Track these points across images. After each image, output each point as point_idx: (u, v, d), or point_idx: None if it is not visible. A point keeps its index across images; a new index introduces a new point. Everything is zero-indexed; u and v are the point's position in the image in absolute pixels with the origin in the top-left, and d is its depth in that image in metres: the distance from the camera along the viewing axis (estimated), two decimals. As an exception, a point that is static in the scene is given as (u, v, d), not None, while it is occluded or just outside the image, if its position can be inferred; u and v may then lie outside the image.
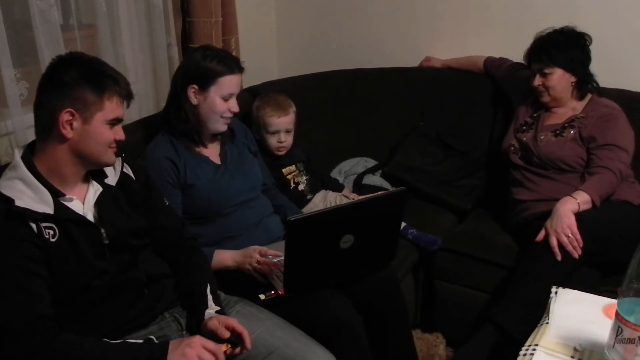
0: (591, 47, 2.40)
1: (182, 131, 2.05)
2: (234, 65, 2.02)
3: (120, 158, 1.66)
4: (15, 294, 1.38)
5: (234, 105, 2.04)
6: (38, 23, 2.01)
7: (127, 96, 1.56)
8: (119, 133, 1.56)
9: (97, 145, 1.52)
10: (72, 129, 1.47)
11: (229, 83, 2.01)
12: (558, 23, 2.42)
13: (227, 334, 1.57)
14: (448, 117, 2.90)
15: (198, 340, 1.49)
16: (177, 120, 2.05)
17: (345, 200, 2.47)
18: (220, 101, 2.02)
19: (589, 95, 2.45)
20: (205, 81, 2.00)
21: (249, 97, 2.58)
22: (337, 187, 2.66)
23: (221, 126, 2.07)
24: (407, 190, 2.01)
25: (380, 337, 2.01)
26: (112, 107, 1.51)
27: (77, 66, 1.49)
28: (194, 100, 2.02)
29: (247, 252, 1.95)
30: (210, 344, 1.50)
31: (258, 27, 3.23)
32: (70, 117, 1.46)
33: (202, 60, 2.00)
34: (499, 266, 2.32)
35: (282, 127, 2.41)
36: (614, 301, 1.23)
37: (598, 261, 2.12)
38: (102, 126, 1.51)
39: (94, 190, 1.58)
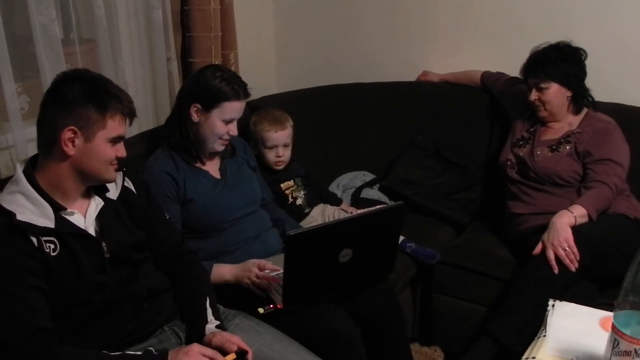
0: (586, 62, 2.42)
1: (181, 146, 2.06)
2: (241, 91, 2.01)
3: (121, 172, 1.66)
4: (14, 308, 1.39)
5: (233, 129, 2.05)
6: (39, 37, 2.02)
7: (129, 114, 1.56)
8: (120, 150, 1.56)
9: (98, 162, 1.52)
10: (73, 146, 1.48)
11: (233, 108, 2.01)
12: (553, 38, 2.44)
13: (234, 347, 1.57)
14: (446, 131, 2.91)
15: (196, 347, 1.50)
16: (177, 135, 2.05)
17: (343, 214, 2.47)
18: (220, 124, 2.02)
19: (585, 110, 2.46)
20: (209, 102, 2.00)
21: (248, 111, 2.57)
22: (336, 201, 2.67)
23: (218, 147, 2.07)
24: (405, 204, 2.02)
25: (378, 351, 2.01)
26: (114, 125, 1.51)
27: (81, 84, 1.49)
28: (195, 118, 2.03)
29: (245, 266, 1.95)
30: (208, 351, 1.51)
31: (257, 42, 3.25)
32: (72, 135, 1.47)
33: (212, 80, 1.99)
34: (496, 279, 2.32)
35: (280, 141, 2.41)
36: (611, 314, 1.24)
37: (595, 274, 2.13)
38: (103, 144, 1.51)
39: (96, 204, 1.59)
